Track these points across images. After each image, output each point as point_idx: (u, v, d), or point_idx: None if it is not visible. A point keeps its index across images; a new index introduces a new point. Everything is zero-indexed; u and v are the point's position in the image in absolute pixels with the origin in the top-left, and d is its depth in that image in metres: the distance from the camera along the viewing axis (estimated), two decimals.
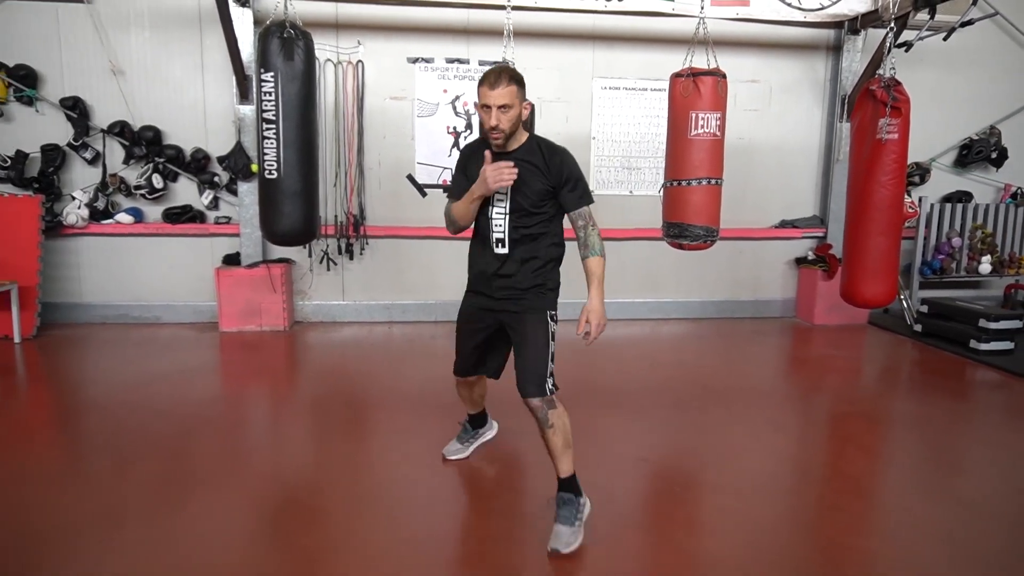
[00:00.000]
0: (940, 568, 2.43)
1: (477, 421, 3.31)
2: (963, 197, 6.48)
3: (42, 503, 2.75)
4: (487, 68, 2.71)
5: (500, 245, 2.57)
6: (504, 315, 2.65)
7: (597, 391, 4.14)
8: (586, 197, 2.58)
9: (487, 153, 2.48)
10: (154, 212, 5.66)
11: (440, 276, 6.01)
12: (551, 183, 2.53)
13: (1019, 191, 6.56)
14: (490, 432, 3.38)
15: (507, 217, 2.54)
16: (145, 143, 5.45)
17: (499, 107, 2.40)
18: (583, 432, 3.50)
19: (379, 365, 4.84)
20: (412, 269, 5.99)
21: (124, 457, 3.21)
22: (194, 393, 4.14)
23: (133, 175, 5.54)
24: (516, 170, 2.41)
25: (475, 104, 2.54)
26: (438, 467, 3.18)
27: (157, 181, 5.50)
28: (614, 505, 2.84)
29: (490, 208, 2.56)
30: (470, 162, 2.61)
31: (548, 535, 2.49)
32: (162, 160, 5.51)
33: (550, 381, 2.54)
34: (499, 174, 2.39)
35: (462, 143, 5.83)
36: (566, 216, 2.62)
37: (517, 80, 2.44)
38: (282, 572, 2.33)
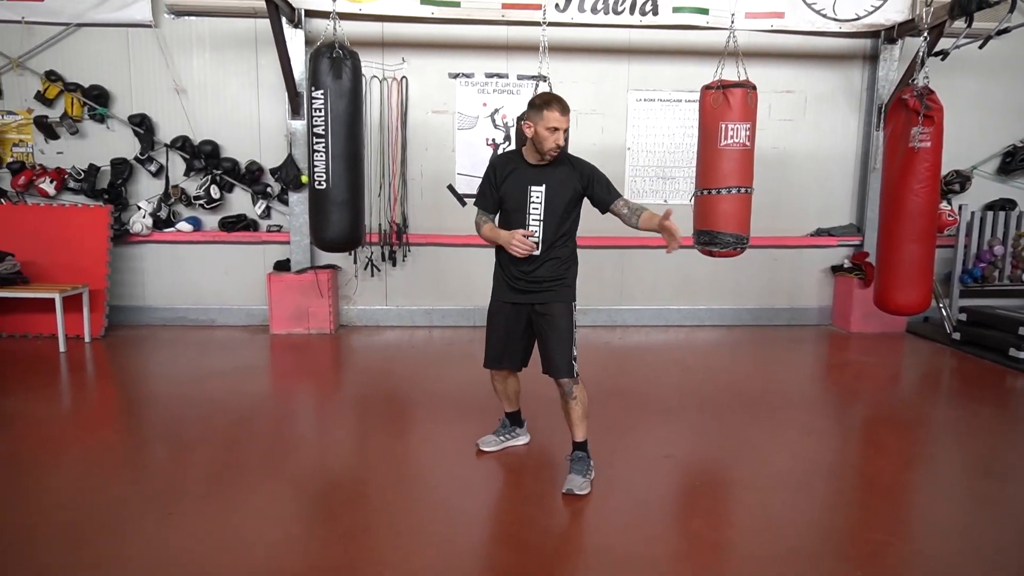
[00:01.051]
0: (954, 562, 2.49)
1: (513, 419, 3.52)
2: (1007, 205, 6.40)
3: (109, 483, 3.02)
4: (546, 92, 3.11)
5: (535, 246, 2.94)
6: (533, 306, 3.03)
7: (628, 393, 4.28)
8: (615, 190, 3.01)
9: (517, 234, 2.91)
10: (211, 221, 6.02)
11: (478, 283, 6.18)
12: (581, 186, 2.97)
13: None
14: (523, 438, 3.56)
15: (541, 223, 2.96)
16: (204, 156, 5.82)
17: (564, 130, 2.86)
18: (611, 430, 3.65)
19: (419, 367, 5.07)
20: (452, 276, 6.22)
21: (183, 445, 3.48)
22: (246, 389, 4.42)
23: (193, 186, 5.92)
24: (532, 247, 2.91)
25: (526, 123, 2.89)
26: (470, 459, 3.36)
27: (214, 192, 5.87)
28: (636, 496, 2.97)
29: (527, 216, 2.95)
30: (500, 172, 3.01)
31: (580, 521, 2.64)
32: (219, 172, 5.87)
33: (576, 364, 2.99)
34: (521, 246, 2.89)
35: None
36: (606, 212, 3.03)
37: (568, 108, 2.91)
38: (324, 546, 2.54)
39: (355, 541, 2.58)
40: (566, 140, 2.98)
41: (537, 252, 2.94)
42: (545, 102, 2.85)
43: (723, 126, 4.41)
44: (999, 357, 5.17)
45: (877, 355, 5.53)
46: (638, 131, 6.14)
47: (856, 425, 4.11)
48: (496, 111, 6.03)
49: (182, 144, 5.82)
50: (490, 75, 5.99)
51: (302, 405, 4.38)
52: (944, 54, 5.44)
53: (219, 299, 6.13)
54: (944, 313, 6.03)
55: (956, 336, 5.69)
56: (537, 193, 2.94)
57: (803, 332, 6.26)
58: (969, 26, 5.12)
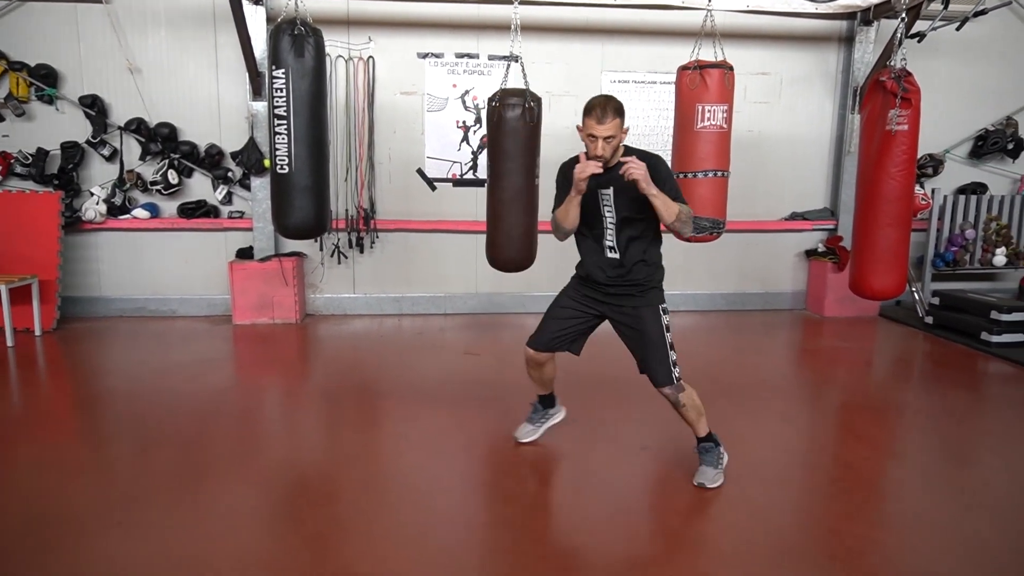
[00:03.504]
0: (935, 555, 2.44)
1: (547, 401, 3.40)
2: (978, 189, 6.42)
3: (62, 488, 2.84)
4: (598, 96, 2.80)
5: (612, 251, 2.84)
6: (613, 310, 2.91)
7: (604, 382, 4.17)
8: (679, 196, 2.77)
9: (581, 155, 2.73)
10: (169, 207, 5.77)
11: (449, 269, 6.07)
12: None
13: None
14: (559, 415, 3.45)
15: (616, 225, 2.81)
16: (161, 140, 5.56)
17: (604, 138, 2.65)
18: (586, 422, 3.55)
19: (388, 357, 4.91)
20: (421, 262, 6.06)
21: (142, 444, 3.31)
22: (209, 383, 4.24)
23: (149, 171, 5.66)
24: (600, 165, 2.65)
25: (578, 127, 2.76)
26: (444, 454, 3.24)
27: (172, 177, 5.61)
28: (612, 491, 2.88)
29: (603, 218, 2.82)
30: (570, 175, 2.78)
31: (557, 519, 2.54)
32: (177, 156, 5.62)
33: (676, 370, 2.85)
34: (585, 166, 2.64)
35: (471, 137, 5.87)
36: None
37: (620, 112, 2.69)
38: (293, 551, 2.40)
39: (325, 545, 2.45)
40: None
41: (600, 169, 2.66)
42: (586, 108, 2.69)
43: (700, 108, 4.30)
44: (971, 341, 5.18)
45: (851, 340, 5.51)
46: None
47: (833, 412, 4.07)
48: (467, 92, 5.85)
49: (137, 127, 5.54)
50: (460, 55, 5.81)
51: (268, 399, 4.21)
52: (921, 36, 5.40)
53: (179, 289, 5.89)
54: (917, 297, 6.03)
55: (929, 320, 5.69)
56: (606, 196, 2.78)
57: (777, 317, 6.23)
58: (946, 7, 5.08)
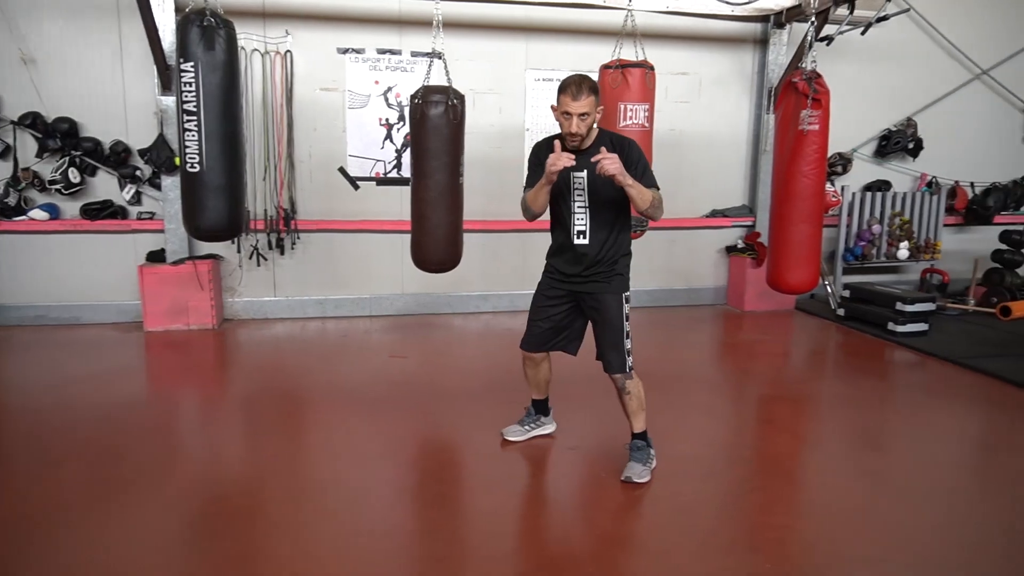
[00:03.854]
0: (853, 541, 2.54)
1: (540, 407, 3.37)
2: (883, 186, 6.75)
3: None
4: (572, 74, 2.80)
5: (581, 236, 2.84)
6: (583, 296, 2.93)
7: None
8: (652, 181, 2.80)
9: (556, 143, 2.71)
10: (72, 208, 5.40)
11: (375, 270, 5.94)
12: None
13: (934, 180, 6.87)
14: (550, 426, 3.42)
15: (587, 210, 2.81)
16: (60, 136, 5.19)
17: (579, 115, 2.65)
18: (511, 421, 3.51)
19: (313, 361, 4.76)
20: (346, 263, 5.90)
21: (46, 462, 3.08)
22: (118, 395, 3.99)
23: (48, 169, 5.27)
24: (573, 158, 2.64)
25: (552, 107, 2.78)
26: (371, 461, 3.15)
27: (74, 175, 5.26)
28: (541, 492, 2.87)
29: (571, 203, 2.82)
30: (542, 156, 2.81)
31: (487, 523, 2.50)
32: (79, 153, 5.26)
33: (630, 359, 2.90)
34: (557, 159, 2.62)
35: (395, 135, 5.76)
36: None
37: (595, 90, 2.69)
38: (212, 571, 2.26)
39: (245, 563, 2.33)
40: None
41: (572, 162, 2.65)
42: (561, 86, 2.69)
43: (622, 107, 4.35)
44: (879, 331, 5.45)
45: (770, 333, 5.71)
46: (537, 111, 6.00)
47: (754, 404, 4.20)
48: (389, 89, 5.72)
49: (32, 121, 5.14)
50: (382, 51, 5.68)
51: (183, 410, 4.00)
52: (829, 39, 5.63)
53: (84, 295, 5.53)
54: (829, 290, 6.30)
55: (841, 312, 5.95)
56: (579, 180, 2.77)
57: (700, 312, 6.39)
58: (851, 12, 5.30)
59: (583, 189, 2.79)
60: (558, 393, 3.45)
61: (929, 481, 3.04)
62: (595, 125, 2.76)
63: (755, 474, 3.11)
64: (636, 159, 2.76)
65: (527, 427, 3.36)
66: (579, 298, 2.97)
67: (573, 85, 2.66)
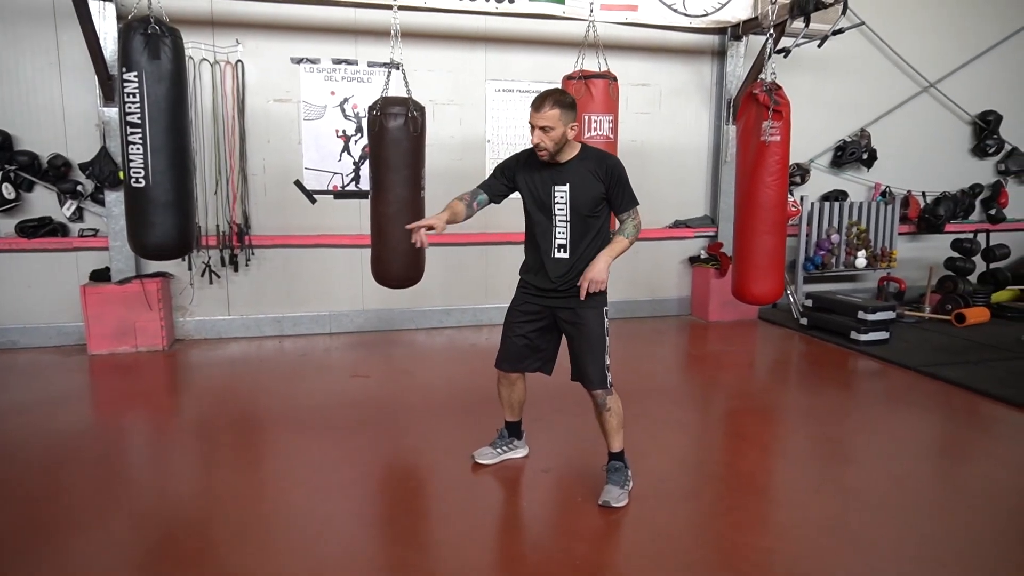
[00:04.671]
0: (832, 560, 2.48)
1: (513, 430, 3.25)
2: (840, 196, 6.85)
3: None
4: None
5: (562, 250, 2.79)
6: (561, 311, 2.86)
7: (495, 399, 4.04)
8: (632, 200, 2.82)
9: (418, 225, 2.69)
10: (6, 225, 5.09)
11: (333, 286, 5.75)
12: (604, 185, 2.74)
13: (887, 189, 7.01)
14: (521, 451, 3.30)
15: (568, 224, 2.76)
16: None
17: (540, 127, 2.64)
18: (482, 444, 3.39)
19: (270, 383, 4.55)
20: (303, 280, 5.70)
21: None
22: (59, 425, 3.73)
23: None
24: (423, 239, 2.66)
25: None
26: (334, 492, 2.98)
27: (8, 191, 4.96)
28: (514, 520, 2.75)
29: (553, 216, 2.76)
30: (517, 168, 2.85)
31: (457, 557, 2.37)
32: (13, 168, 4.96)
33: (609, 375, 2.83)
34: (416, 236, 2.65)
35: (352, 147, 5.60)
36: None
37: (561, 104, 2.65)
38: None
39: None
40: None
41: (422, 245, 2.68)
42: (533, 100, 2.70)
43: (587, 118, 4.30)
44: (842, 340, 5.49)
45: (735, 343, 5.70)
46: (497, 122, 5.91)
47: (724, 418, 4.15)
48: (346, 100, 5.57)
49: None
50: (338, 61, 5.52)
51: (130, 439, 3.76)
52: (786, 52, 5.67)
53: (20, 317, 5.21)
54: (792, 300, 6.34)
55: (803, 321, 5.99)
56: (561, 193, 2.72)
57: (665, 323, 6.36)
58: (807, 25, 5.35)
59: (565, 203, 2.74)
60: (526, 411, 3.33)
61: (901, 494, 3.01)
62: (571, 139, 2.72)
63: (730, 492, 3.03)
64: (618, 177, 2.75)
65: (499, 449, 3.25)
66: (556, 314, 2.89)
67: (538, 98, 2.67)
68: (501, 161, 2.95)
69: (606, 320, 2.84)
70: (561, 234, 2.78)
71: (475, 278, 6.03)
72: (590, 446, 3.51)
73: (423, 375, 4.82)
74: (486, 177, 3.00)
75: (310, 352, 5.27)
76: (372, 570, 2.44)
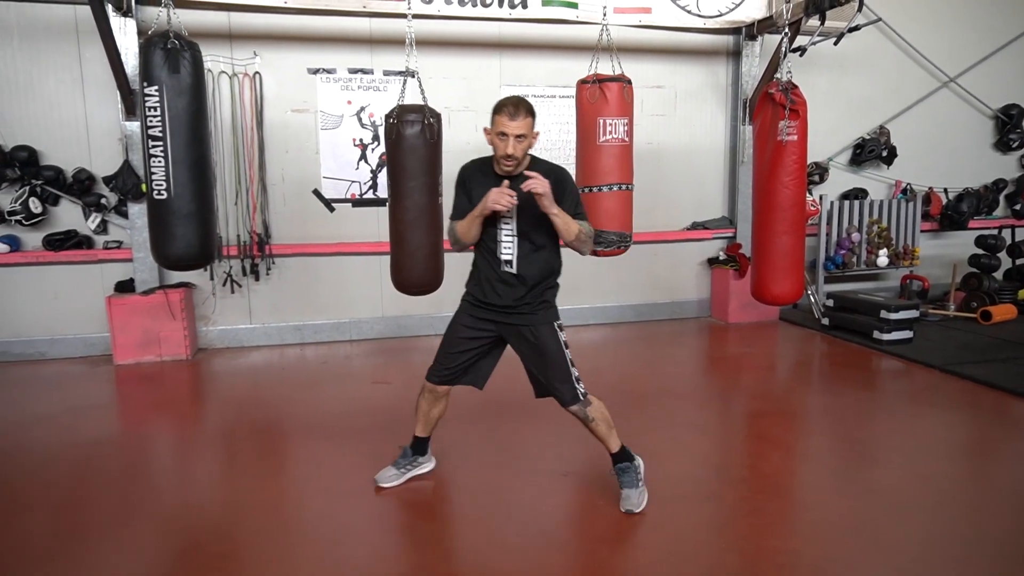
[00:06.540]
0: (859, 563, 2.45)
1: (419, 447, 3.15)
2: (859, 194, 6.78)
3: None
4: (509, 95, 2.68)
5: (509, 265, 2.71)
6: (508, 328, 2.78)
7: (515, 403, 4.03)
8: (583, 214, 2.74)
9: (506, 182, 2.61)
10: (33, 239, 5.19)
11: (353, 293, 5.80)
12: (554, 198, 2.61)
13: (908, 187, 6.92)
14: (428, 464, 3.22)
15: (515, 239, 2.69)
16: (19, 164, 4.99)
17: (516, 136, 2.54)
18: (503, 450, 3.40)
19: (292, 390, 4.59)
20: (323, 287, 5.75)
21: (6, 510, 2.88)
22: (86, 434, 3.80)
23: (6, 200, 5.07)
24: (515, 198, 2.53)
25: (485, 129, 2.67)
26: (357, 498, 3.00)
27: (34, 205, 5.06)
28: (536, 525, 2.75)
29: (498, 231, 2.69)
30: (470, 182, 2.74)
31: (481, 564, 2.37)
32: (39, 183, 5.06)
33: (580, 386, 2.76)
34: (500, 197, 2.52)
35: (369, 155, 5.65)
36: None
37: (533, 113, 2.60)
38: None
39: None
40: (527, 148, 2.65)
41: (516, 203, 2.57)
42: (497, 106, 2.59)
43: (601, 121, 4.28)
44: (865, 340, 5.42)
45: (756, 345, 5.66)
46: None
47: (745, 420, 4.12)
48: (362, 109, 5.62)
49: None
50: (354, 71, 5.58)
51: (155, 447, 3.81)
52: (802, 50, 5.63)
53: (49, 329, 5.31)
54: (813, 300, 6.28)
55: (825, 321, 5.93)
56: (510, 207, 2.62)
57: (685, 325, 6.33)
58: (822, 23, 5.31)
59: (512, 216, 2.66)
60: (543, 415, 3.33)
61: (928, 495, 2.97)
62: (528, 152, 2.66)
63: (753, 494, 3.01)
64: (569, 190, 2.70)
65: (402, 469, 3.11)
66: (503, 331, 2.80)
67: (510, 105, 2.56)
68: (456, 182, 2.80)
69: (560, 333, 2.77)
70: (507, 249, 2.70)
71: None
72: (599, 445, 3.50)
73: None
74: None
75: (331, 359, 5.31)
76: (395, 575, 2.45)
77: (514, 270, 2.70)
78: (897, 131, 6.84)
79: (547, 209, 2.53)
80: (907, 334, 5.31)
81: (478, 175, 2.74)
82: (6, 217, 5.05)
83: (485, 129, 2.66)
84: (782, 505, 2.95)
